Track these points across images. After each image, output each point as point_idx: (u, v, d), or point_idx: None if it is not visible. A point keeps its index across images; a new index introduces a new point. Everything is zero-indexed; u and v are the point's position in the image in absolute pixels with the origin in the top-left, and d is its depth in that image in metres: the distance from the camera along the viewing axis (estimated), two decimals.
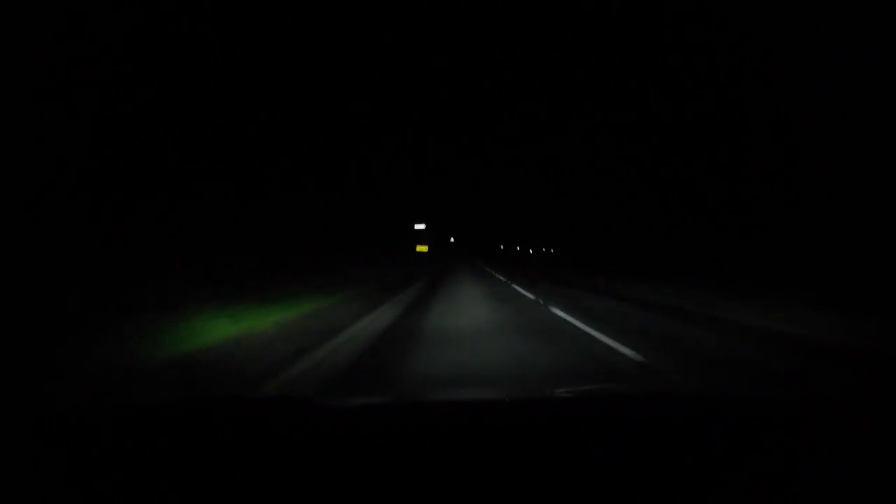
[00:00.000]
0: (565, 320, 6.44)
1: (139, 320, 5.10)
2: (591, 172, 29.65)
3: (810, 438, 1.02)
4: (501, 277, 17.33)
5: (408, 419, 1.17)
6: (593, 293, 11.04)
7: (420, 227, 37.95)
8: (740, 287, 11.39)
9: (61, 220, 7.97)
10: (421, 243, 36.81)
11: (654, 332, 5.56)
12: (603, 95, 25.56)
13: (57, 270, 7.05)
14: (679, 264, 19.28)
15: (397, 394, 2.45)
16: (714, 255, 18.79)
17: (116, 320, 5.07)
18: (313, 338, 4.74)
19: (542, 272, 22.16)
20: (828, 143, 14.89)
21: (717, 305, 8.22)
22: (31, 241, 7.17)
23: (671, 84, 20.09)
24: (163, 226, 10.37)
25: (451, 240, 79.98)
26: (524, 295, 10.35)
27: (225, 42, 12.31)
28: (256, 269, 11.60)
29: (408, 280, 14.88)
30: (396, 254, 24.81)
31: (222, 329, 4.99)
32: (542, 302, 8.73)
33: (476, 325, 5.79)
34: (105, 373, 3.24)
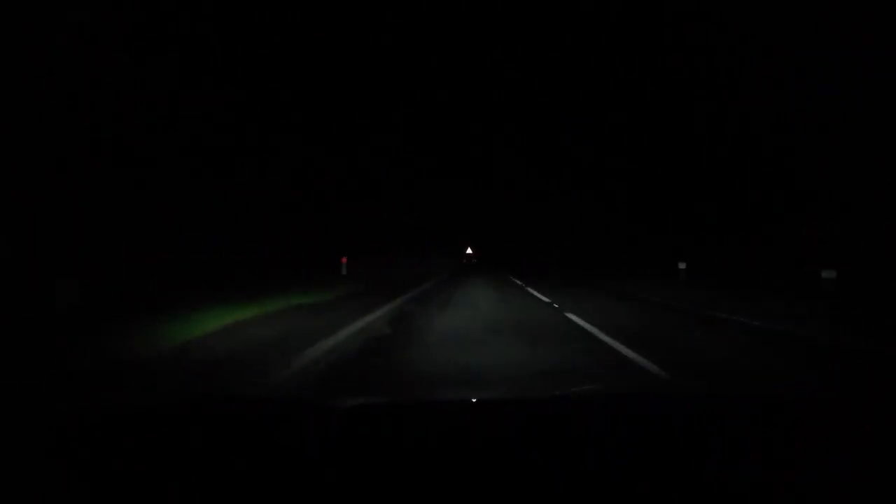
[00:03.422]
0: None
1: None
2: (591, 173, 29.34)
3: (809, 438, 1.02)
4: None
5: (407, 419, 1.17)
6: None
7: None
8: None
9: (61, 220, 7.96)
10: None
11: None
12: (603, 95, 25.44)
13: (62, 269, 7.05)
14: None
15: (395, 394, 2.45)
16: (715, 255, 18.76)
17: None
18: None
19: None
20: (828, 143, 14.86)
21: None
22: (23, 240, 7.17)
23: (671, 84, 20.03)
24: (162, 225, 10.38)
25: (469, 251, 65.07)
26: None
27: (225, 42, 12.30)
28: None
29: None
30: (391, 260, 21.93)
31: None
32: None
33: None
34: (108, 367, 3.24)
